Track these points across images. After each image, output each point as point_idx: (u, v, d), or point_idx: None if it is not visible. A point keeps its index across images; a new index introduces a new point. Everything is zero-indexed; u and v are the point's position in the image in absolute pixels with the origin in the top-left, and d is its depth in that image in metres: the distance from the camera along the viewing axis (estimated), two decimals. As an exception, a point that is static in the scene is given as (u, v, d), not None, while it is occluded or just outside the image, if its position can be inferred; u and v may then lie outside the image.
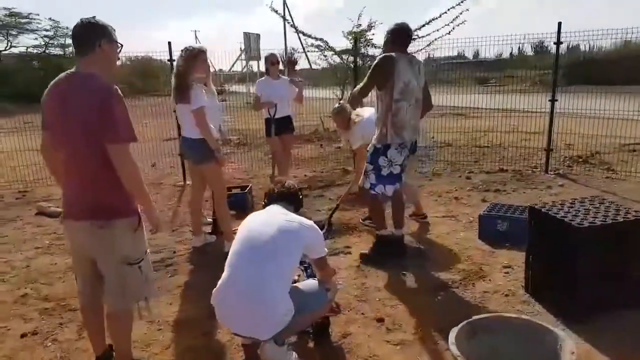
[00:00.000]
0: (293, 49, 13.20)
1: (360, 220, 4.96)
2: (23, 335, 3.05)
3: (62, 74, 2.25)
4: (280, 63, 5.84)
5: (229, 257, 2.53)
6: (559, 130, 7.08)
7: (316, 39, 9.78)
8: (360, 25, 10.30)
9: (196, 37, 45.57)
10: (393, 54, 3.68)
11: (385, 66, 3.64)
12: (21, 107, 14.48)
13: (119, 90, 2.17)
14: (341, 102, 5.22)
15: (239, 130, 11.09)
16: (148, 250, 2.42)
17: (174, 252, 4.41)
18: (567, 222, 2.86)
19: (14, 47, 29.40)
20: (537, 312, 3.05)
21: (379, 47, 10.27)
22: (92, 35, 2.19)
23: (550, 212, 3.02)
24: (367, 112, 4.83)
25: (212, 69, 5.08)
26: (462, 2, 8.84)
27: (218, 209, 4.41)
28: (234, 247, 2.55)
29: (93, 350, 2.56)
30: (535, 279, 3.25)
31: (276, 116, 5.50)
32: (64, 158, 2.24)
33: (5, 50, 29.17)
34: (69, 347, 2.89)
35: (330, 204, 5.68)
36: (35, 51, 28.94)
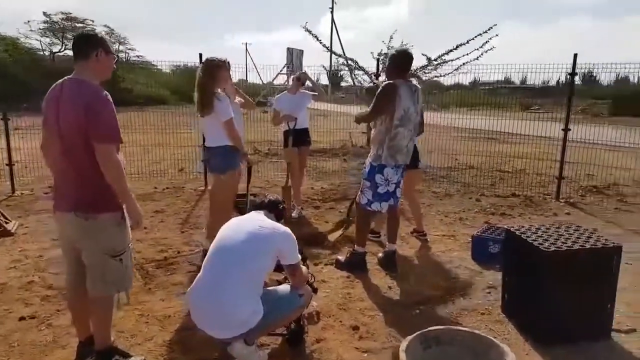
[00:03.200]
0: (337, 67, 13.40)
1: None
2: (21, 319, 3.29)
3: (60, 80, 2.50)
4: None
5: (204, 261, 2.72)
6: (582, 160, 7.06)
7: (347, 58, 10.10)
8: (392, 47, 10.56)
9: (247, 50, 46.50)
10: (395, 82, 3.82)
11: (388, 94, 3.79)
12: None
13: (108, 95, 2.39)
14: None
15: (270, 141, 11.34)
16: (131, 245, 2.62)
17: (178, 252, 4.63)
18: (535, 245, 2.91)
19: (68, 49, 30.84)
20: (507, 332, 3.11)
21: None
22: (89, 45, 2.44)
23: (522, 235, 3.08)
24: None
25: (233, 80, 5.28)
26: (490, 29, 9.02)
27: (219, 214, 4.56)
28: (209, 250, 2.74)
29: (77, 335, 2.77)
30: (510, 300, 3.30)
31: (295, 128, 5.71)
32: (57, 154, 2.48)
33: (60, 52, 30.60)
34: (60, 332, 3.11)
35: (338, 217, 5.80)
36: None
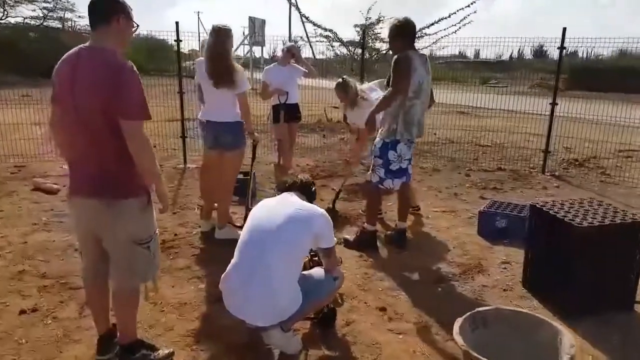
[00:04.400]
0: (296, 39, 13.18)
1: (361, 211, 4.98)
2: (22, 312, 3.02)
3: (75, 48, 2.22)
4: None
5: (238, 243, 2.55)
6: (558, 134, 7.18)
7: (325, 29, 9.86)
8: (369, 18, 10.40)
9: (199, 19, 45.11)
10: (409, 53, 3.68)
11: (407, 67, 3.64)
12: (24, 78, 14.14)
13: (134, 66, 2.15)
14: (344, 76, 5.01)
15: (253, 116, 10.97)
16: (157, 231, 2.41)
17: (175, 234, 4.39)
18: (568, 221, 2.90)
19: (11, 17, 28.71)
20: (534, 307, 3.10)
21: (387, 42, 10.33)
22: (111, 9, 2.17)
23: (551, 211, 3.06)
24: (373, 92, 4.76)
25: None
26: (472, 3, 9.01)
27: (226, 194, 4.36)
28: (243, 234, 2.56)
29: (96, 329, 2.55)
30: (533, 275, 3.29)
31: (288, 102, 5.47)
32: (73, 133, 2.21)
33: (1, 19, 28.53)
34: (70, 325, 2.88)
35: (331, 195, 5.69)
36: (33, 22, 28.31)
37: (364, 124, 4.62)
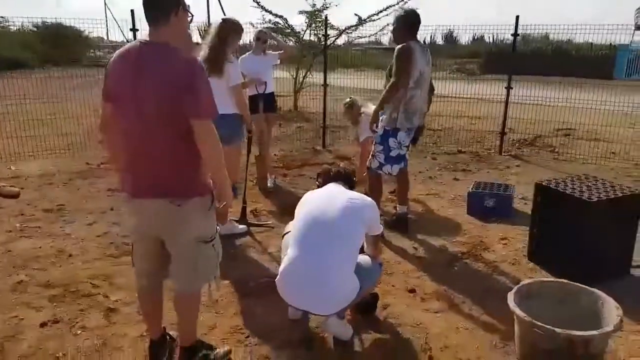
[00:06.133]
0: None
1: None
2: (43, 325, 2.84)
3: (133, 43, 2.11)
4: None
5: (294, 235, 2.55)
6: (498, 115, 7.70)
7: (276, 15, 9.70)
8: (315, 5, 10.37)
9: (105, 4, 42.51)
10: (409, 43, 3.79)
11: (408, 57, 3.75)
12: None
13: (202, 63, 2.09)
14: (351, 97, 5.49)
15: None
16: (218, 227, 2.37)
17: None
18: (578, 197, 3.17)
19: None
20: (545, 277, 3.36)
21: (336, 29, 10.45)
22: (169, 3, 2.07)
23: (559, 189, 3.33)
24: (371, 106, 4.93)
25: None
26: None
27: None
28: (298, 226, 2.57)
29: (149, 333, 2.47)
30: (539, 248, 3.56)
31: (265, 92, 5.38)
32: (135, 132, 2.11)
33: None
34: (104, 333, 2.75)
35: (313, 183, 5.72)
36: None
37: (362, 136, 5.17)
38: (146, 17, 2.08)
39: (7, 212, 4.80)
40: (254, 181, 5.61)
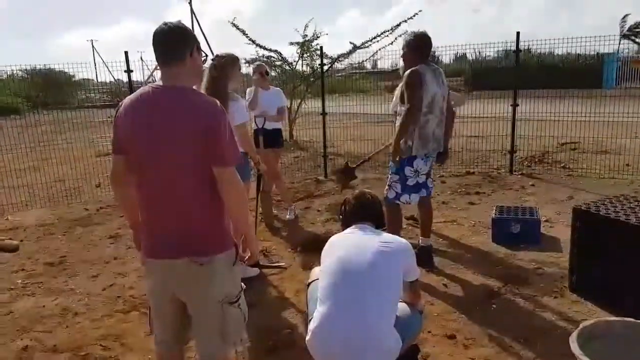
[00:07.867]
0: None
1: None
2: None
3: (144, 88, 1.90)
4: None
5: (323, 286, 2.30)
6: (501, 133, 7.55)
7: (270, 50, 9.72)
8: (306, 35, 10.33)
9: (93, 46, 42.61)
10: (419, 68, 3.63)
11: (417, 83, 3.60)
12: None
13: (223, 107, 1.88)
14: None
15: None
16: (243, 284, 2.12)
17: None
18: (624, 220, 2.95)
19: None
20: (594, 312, 3.12)
21: (329, 57, 10.37)
22: (185, 42, 1.88)
23: (600, 212, 3.11)
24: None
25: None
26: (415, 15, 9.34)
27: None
28: (327, 277, 2.31)
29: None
30: (583, 279, 3.32)
31: (267, 127, 5.18)
32: (152, 186, 1.90)
33: None
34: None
35: (320, 216, 5.54)
36: None
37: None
38: (159, 59, 1.89)
39: (7, 268, 4.53)
40: (260, 217, 5.37)
